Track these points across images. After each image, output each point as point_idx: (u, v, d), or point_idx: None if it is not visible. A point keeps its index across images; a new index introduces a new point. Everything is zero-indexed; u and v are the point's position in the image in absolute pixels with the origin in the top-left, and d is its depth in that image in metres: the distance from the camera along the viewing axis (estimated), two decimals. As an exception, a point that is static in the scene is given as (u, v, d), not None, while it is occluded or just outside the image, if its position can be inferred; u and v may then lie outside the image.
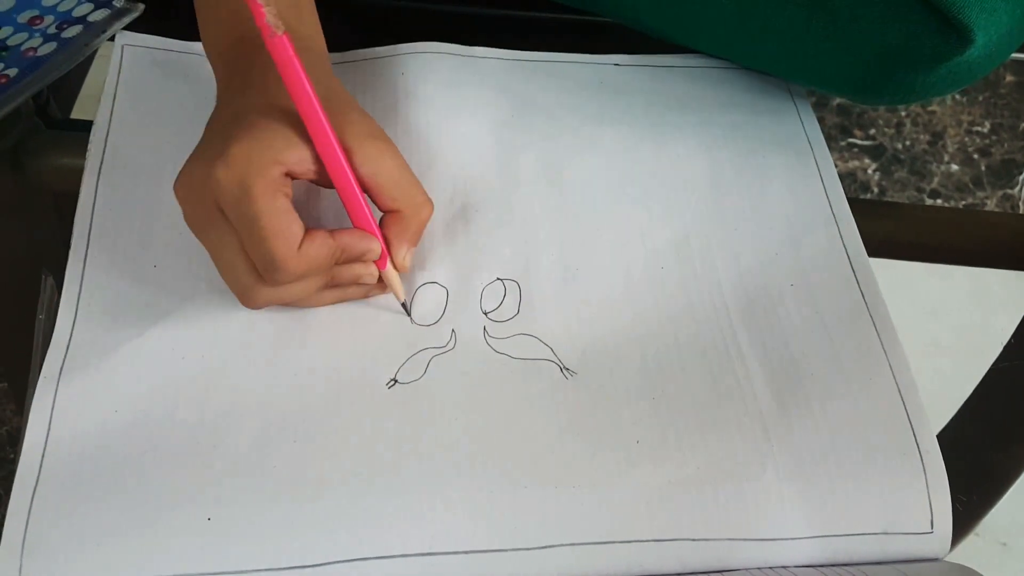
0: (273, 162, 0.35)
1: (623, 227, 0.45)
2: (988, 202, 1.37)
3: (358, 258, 0.39)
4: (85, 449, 0.36)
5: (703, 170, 0.48)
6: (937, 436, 0.39)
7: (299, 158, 0.36)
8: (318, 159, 0.37)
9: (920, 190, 1.38)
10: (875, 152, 1.40)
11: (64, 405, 0.37)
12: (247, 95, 0.38)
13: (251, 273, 0.37)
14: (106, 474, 0.35)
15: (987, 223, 0.55)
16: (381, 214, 0.40)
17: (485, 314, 0.42)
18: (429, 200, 0.40)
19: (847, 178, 1.38)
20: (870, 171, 1.39)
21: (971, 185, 1.39)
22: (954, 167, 1.41)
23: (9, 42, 0.48)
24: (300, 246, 0.36)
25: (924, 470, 0.38)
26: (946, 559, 0.38)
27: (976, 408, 0.49)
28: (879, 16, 0.42)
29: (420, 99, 0.48)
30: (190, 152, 0.44)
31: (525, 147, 0.47)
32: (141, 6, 0.51)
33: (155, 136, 0.45)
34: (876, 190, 1.38)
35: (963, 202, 1.37)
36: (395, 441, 0.37)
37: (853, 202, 0.47)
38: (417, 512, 0.36)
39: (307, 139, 0.36)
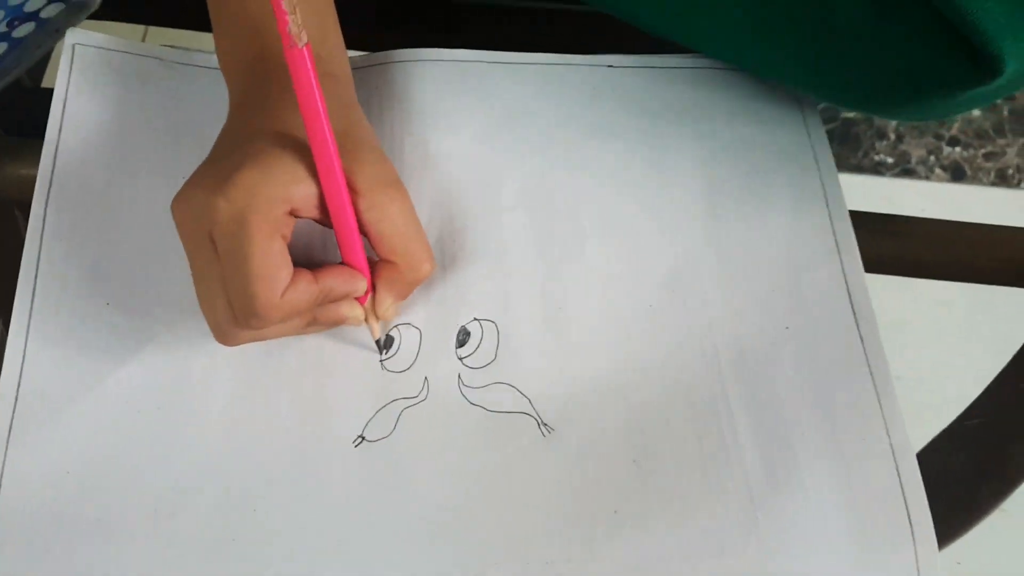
0: (277, 199, 0.33)
1: (609, 259, 0.42)
2: (1008, 151, 1.33)
3: (341, 298, 0.37)
4: (37, 515, 0.35)
5: (699, 191, 0.44)
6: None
7: (305, 195, 0.34)
8: (323, 197, 0.35)
9: (939, 137, 1.33)
10: (894, 96, 1.35)
11: (14, 466, 0.35)
12: (259, 117, 0.36)
13: (230, 312, 0.35)
14: (59, 544, 0.34)
15: (996, 239, 0.52)
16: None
17: (460, 359, 0.39)
18: (430, 258, 0.37)
19: (863, 123, 1.33)
20: (887, 117, 1.33)
21: (992, 132, 1.34)
22: (975, 113, 1.35)
23: (-43, 42, 0.45)
24: (284, 293, 0.33)
25: (913, 539, 0.37)
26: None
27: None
28: (901, 41, 0.38)
29: (396, 117, 0.44)
30: (147, 173, 0.42)
31: (508, 167, 0.44)
32: (98, 0, 0.47)
33: (109, 153, 0.42)
34: (893, 136, 1.33)
35: (983, 150, 1.33)
36: (361, 509, 0.36)
37: (856, 216, 0.44)
38: None
39: (316, 175, 0.34)
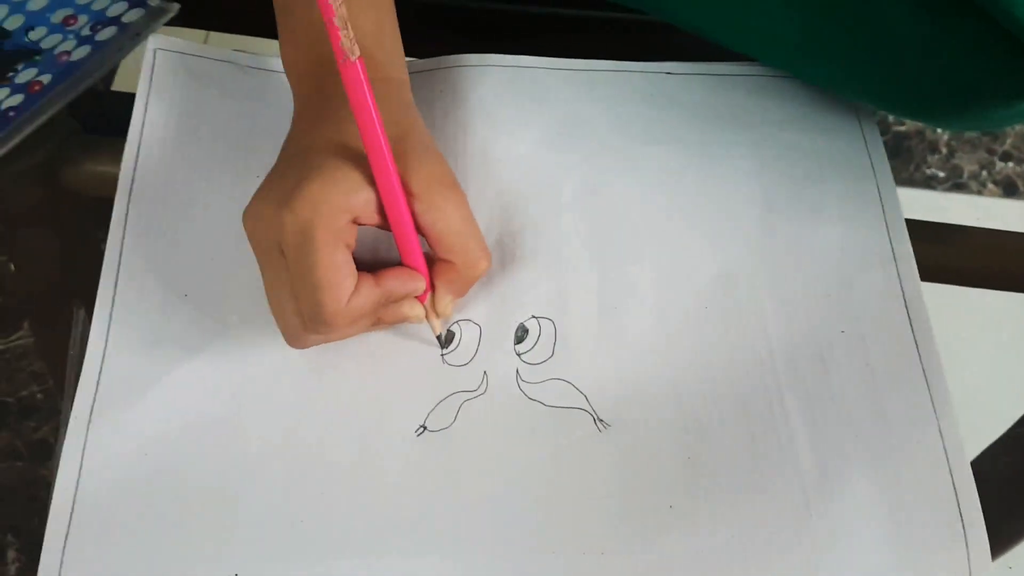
0: (340, 209, 0.34)
1: (665, 261, 0.43)
2: (1064, 167, 1.30)
3: (403, 298, 0.38)
4: (114, 496, 0.36)
5: (755, 197, 0.45)
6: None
7: (365, 202, 0.35)
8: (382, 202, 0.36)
9: (992, 152, 1.32)
10: (946, 109, 1.33)
11: (94, 448, 0.37)
12: (320, 128, 0.38)
13: (300, 318, 0.36)
14: (135, 523, 0.36)
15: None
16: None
17: (519, 355, 0.41)
18: (486, 256, 0.38)
19: (915, 137, 1.31)
20: (939, 131, 1.32)
21: (1046, 148, 1.32)
22: (1030, 127, 1.33)
23: (43, 44, 0.48)
24: (349, 300, 0.35)
25: (966, 544, 0.37)
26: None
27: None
28: (956, 50, 0.38)
29: (458, 120, 0.46)
30: (222, 172, 0.44)
31: (566, 170, 0.45)
32: (176, 6, 0.49)
33: (187, 152, 0.44)
34: (945, 151, 1.32)
35: (1036, 166, 1.31)
36: (422, 496, 0.37)
37: (908, 224, 0.44)
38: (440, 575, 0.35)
39: (374, 183, 0.35)
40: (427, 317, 0.40)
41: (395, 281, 0.37)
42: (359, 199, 0.35)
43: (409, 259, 0.38)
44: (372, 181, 0.35)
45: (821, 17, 0.42)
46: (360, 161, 0.36)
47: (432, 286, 0.39)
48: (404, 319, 0.39)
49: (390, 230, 0.37)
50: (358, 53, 0.33)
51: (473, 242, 0.38)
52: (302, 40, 0.41)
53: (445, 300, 0.39)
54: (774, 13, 0.43)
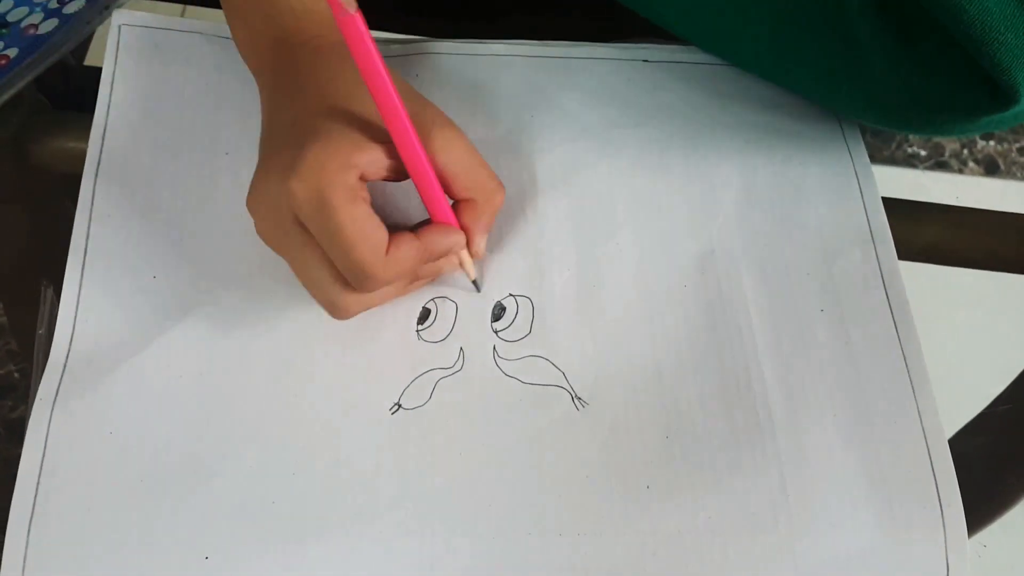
0: (346, 166, 0.34)
1: (644, 239, 0.43)
2: (1046, 144, 1.31)
3: (444, 254, 0.38)
4: (80, 478, 0.35)
5: (734, 177, 0.45)
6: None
7: (370, 159, 0.35)
8: (389, 156, 0.36)
9: (974, 130, 1.32)
10: (928, 88, 1.33)
11: (59, 429, 0.36)
12: (302, 99, 0.37)
13: (338, 284, 0.36)
14: (102, 506, 0.35)
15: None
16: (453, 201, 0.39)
17: (496, 332, 0.40)
18: (501, 186, 0.39)
19: (896, 116, 1.31)
20: (921, 109, 1.32)
21: (1027, 127, 1.33)
22: (1011, 107, 1.34)
23: (9, 17, 0.46)
24: (387, 251, 0.35)
25: (943, 523, 0.37)
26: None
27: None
28: (921, 68, 0.38)
29: (435, 103, 0.45)
30: (191, 149, 0.43)
31: (544, 151, 0.44)
32: (145, -23, 0.48)
33: (155, 131, 0.43)
34: (927, 130, 1.32)
35: (1017, 144, 1.31)
36: (397, 476, 0.36)
37: (885, 203, 0.44)
38: (417, 558, 0.35)
39: (375, 139, 0.35)
40: (461, 264, 0.40)
41: (435, 235, 0.37)
42: (363, 157, 0.35)
43: (438, 211, 0.38)
44: (371, 137, 0.35)
45: (791, 26, 0.42)
46: (352, 119, 0.35)
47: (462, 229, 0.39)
48: (439, 272, 0.40)
49: (396, 180, 0.37)
50: (356, 6, 0.32)
51: (486, 174, 0.38)
52: (254, 20, 0.40)
53: (476, 240, 0.39)
54: (747, 20, 0.43)
